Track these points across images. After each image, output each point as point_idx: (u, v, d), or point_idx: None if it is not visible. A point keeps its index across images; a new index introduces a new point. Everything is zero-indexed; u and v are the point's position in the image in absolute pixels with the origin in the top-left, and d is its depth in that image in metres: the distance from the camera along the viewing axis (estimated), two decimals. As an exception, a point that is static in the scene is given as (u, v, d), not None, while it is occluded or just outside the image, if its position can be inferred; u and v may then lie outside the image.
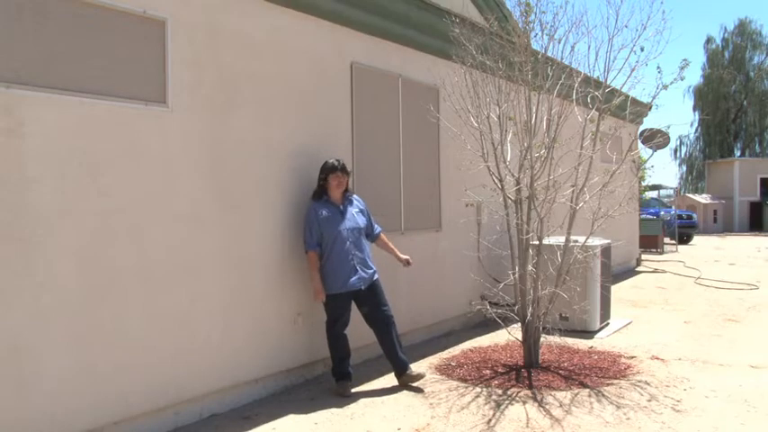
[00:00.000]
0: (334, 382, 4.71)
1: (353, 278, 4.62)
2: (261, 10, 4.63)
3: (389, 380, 4.91)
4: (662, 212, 20.42)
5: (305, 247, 4.68)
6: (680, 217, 20.87)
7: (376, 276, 4.77)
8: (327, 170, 4.70)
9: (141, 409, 3.77)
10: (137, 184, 3.77)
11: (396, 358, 4.74)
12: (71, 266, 3.44)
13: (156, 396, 3.85)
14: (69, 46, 3.46)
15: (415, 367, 4.92)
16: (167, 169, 3.95)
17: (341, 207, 4.72)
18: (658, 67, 4.95)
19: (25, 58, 3.27)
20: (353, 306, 4.77)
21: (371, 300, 4.71)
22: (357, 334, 4.85)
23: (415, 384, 4.72)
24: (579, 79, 5.19)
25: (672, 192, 25.03)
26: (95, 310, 3.55)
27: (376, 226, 4.98)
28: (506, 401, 4.35)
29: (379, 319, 4.72)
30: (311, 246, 4.63)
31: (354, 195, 4.91)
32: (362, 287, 4.65)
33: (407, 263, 5.06)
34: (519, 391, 4.55)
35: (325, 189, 4.72)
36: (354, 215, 4.76)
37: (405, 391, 4.63)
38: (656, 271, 12.40)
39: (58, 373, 3.37)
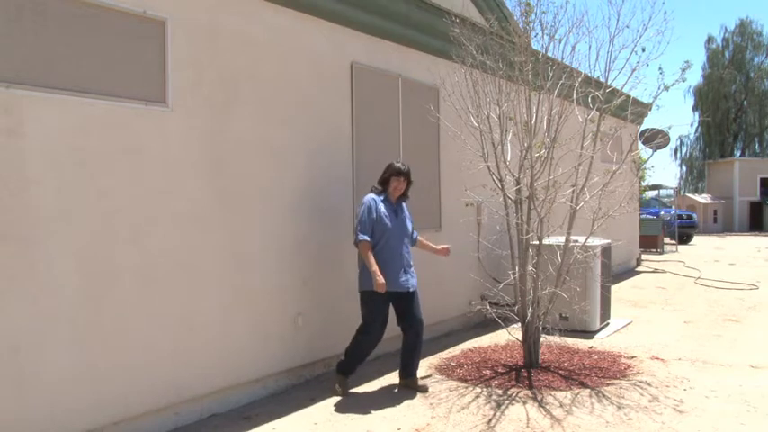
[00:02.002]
0: (338, 377, 4.67)
1: (402, 278, 4.57)
2: (261, 10, 4.62)
3: (389, 380, 4.91)
4: (662, 212, 20.44)
5: (358, 236, 4.51)
6: (680, 217, 20.90)
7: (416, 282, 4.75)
8: (392, 172, 4.67)
9: (141, 409, 3.77)
10: (137, 184, 3.77)
11: (410, 364, 4.71)
12: (71, 266, 3.44)
13: (156, 396, 3.85)
14: (69, 46, 3.46)
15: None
16: (167, 169, 3.95)
17: (395, 208, 4.71)
18: (660, 68, 4.95)
19: (25, 58, 3.27)
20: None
21: (411, 304, 4.65)
22: (357, 334, 4.84)
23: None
24: (580, 79, 5.19)
25: (672, 192, 25.04)
26: (95, 310, 3.55)
27: (414, 231, 4.98)
28: (506, 401, 4.35)
29: (413, 325, 4.66)
30: (366, 234, 4.49)
31: (404, 204, 4.87)
32: (410, 289, 4.61)
33: (446, 252, 5.06)
34: (519, 391, 4.55)
35: (386, 188, 4.70)
36: (406, 219, 4.77)
37: (405, 391, 4.63)
38: (656, 271, 12.40)
39: (57, 373, 3.37)
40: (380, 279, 4.37)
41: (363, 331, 4.62)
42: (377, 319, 4.57)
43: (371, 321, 4.57)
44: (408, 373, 4.73)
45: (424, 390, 4.65)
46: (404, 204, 4.83)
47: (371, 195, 4.68)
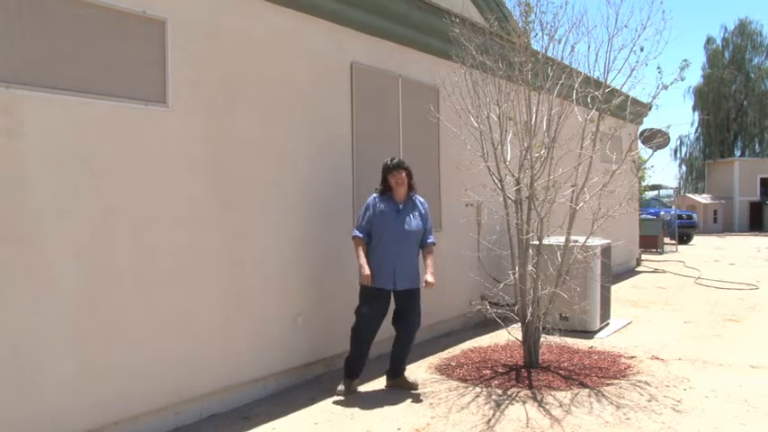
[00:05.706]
0: (344, 379, 4.62)
1: (390, 278, 4.53)
2: (261, 10, 4.62)
3: (389, 380, 4.91)
4: (662, 212, 20.45)
5: (354, 232, 4.67)
6: (680, 217, 20.90)
7: (418, 284, 4.66)
8: (384, 170, 4.69)
9: (141, 409, 3.77)
10: (137, 184, 3.77)
11: (397, 365, 4.73)
12: (71, 266, 3.44)
13: (156, 396, 3.85)
14: (69, 46, 3.46)
15: (415, 367, 4.92)
16: (167, 169, 3.95)
17: (399, 206, 4.66)
18: (659, 68, 4.96)
19: (25, 58, 3.27)
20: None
21: (407, 305, 4.63)
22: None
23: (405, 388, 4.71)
24: (579, 79, 5.19)
25: (672, 192, 25.05)
26: (95, 310, 3.55)
27: (430, 237, 4.77)
28: (506, 401, 4.35)
29: (404, 328, 4.65)
30: (361, 231, 4.61)
31: (419, 198, 4.80)
32: (397, 288, 4.56)
33: (428, 284, 4.59)
34: (519, 391, 4.55)
35: (388, 187, 4.68)
36: (411, 217, 4.65)
37: (405, 391, 4.63)
38: (656, 271, 12.40)
39: (58, 373, 3.37)
40: (365, 271, 4.50)
41: (353, 326, 4.64)
42: (365, 314, 4.56)
43: (360, 315, 4.59)
44: (396, 373, 4.74)
45: (415, 387, 4.66)
46: (417, 201, 4.76)
47: (373, 195, 4.73)
